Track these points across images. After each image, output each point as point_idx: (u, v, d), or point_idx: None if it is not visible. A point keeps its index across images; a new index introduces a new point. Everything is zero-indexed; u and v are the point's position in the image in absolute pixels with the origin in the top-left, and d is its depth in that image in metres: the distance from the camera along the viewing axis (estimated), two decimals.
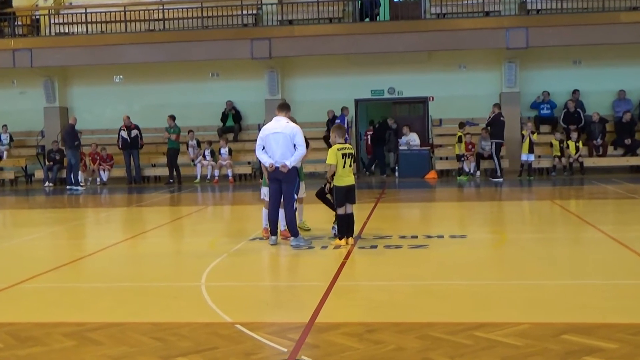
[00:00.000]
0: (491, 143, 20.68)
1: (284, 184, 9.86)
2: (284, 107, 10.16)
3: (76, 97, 25.66)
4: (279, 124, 9.91)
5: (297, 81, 24.50)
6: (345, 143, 9.94)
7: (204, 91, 24.78)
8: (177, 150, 22.42)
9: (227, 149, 22.58)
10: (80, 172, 22.27)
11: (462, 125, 21.93)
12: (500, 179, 20.18)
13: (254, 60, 22.79)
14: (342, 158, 9.72)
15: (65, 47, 23.39)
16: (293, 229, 9.91)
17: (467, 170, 21.52)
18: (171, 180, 22.23)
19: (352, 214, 9.95)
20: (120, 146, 22.73)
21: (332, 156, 9.70)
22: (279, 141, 9.80)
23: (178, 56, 23.09)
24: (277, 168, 9.78)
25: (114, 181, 23.26)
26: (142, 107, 25.13)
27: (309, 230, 11.10)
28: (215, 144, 23.10)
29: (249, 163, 23.36)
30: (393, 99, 24.82)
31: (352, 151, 9.96)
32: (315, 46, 22.32)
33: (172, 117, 22.60)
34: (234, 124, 24.29)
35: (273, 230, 10.08)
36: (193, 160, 22.92)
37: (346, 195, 9.81)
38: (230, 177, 22.35)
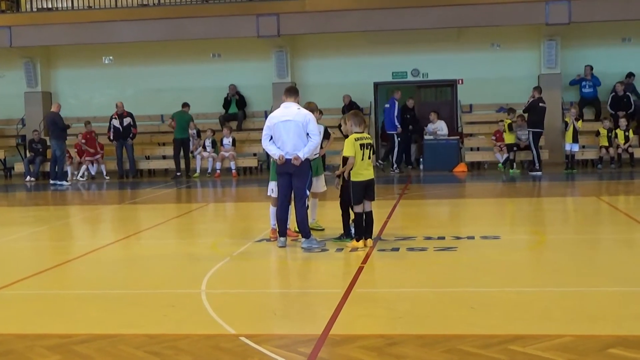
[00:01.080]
0: (528, 132, 20.58)
1: (294, 179, 9.85)
2: (293, 92, 10.15)
3: (61, 80, 25.76)
4: (289, 111, 9.90)
5: (309, 62, 24.47)
6: (363, 132, 9.93)
7: (204, 74, 24.80)
8: (179, 140, 22.29)
9: (230, 139, 22.60)
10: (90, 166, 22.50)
11: (511, 110, 21.49)
12: (539, 172, 20.10)
13: (260, 38, 22.79)
14: (361, 149, 9.71)
15: (48, 25, 23.47)
16: (304, 229, 9.91)
17: (501, 161, 21.45)
18: (178, 174, 22.21)
19: (370, 212, 9.94)
20: (112, 137, 22.69)
21: (350, 147, 9.68)
22: (290, 130, 9.79)
23: (175, 34, 23.11)
24: (287, 160, 9.79)
25: (101, 175, 23.30)
26: (134, 91, 25.18)
27: (323, 230, 11.11)
28: (217, 133, 23.12)
29: (254, 155, 23.38)
30: (417, 82, 24.75)
31: (371, 141, 9.95)
32: (329, 22, 22.28)
33: (185, 105, 22.60)
34: (237, 111, 24.30)
35: (282, 230, 10.09)
36: (192, 152, 22.92)
37: (365, 191, 9.80)
38: (233, 171, 22.35)
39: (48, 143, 22.74)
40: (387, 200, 15.02)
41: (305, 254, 9.68)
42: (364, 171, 9.78)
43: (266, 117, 25.31)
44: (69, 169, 22.63)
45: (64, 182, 21.41)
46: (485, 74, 23.65)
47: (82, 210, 16.47)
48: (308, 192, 9.97)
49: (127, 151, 22.66)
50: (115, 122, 22.65)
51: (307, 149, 9.76)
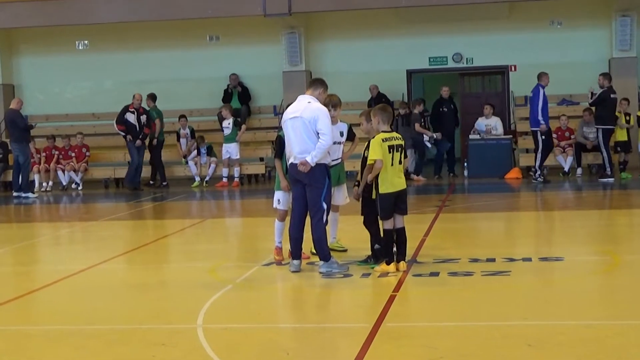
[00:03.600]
0: (597, 130, 20.51)
1: (307, 189, 9.86)
2: (313, 83, 10.19)
3: (25, 71, 25.90)
4: (299, 105, 9.94)
5: (327, 46, 24.51)
6: (392, 131, 9.91)
7: (200, 61, 24.88)
8: (160, 142, 22.45)
9: (230, 122, 22.07)
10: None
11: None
12: (611, 179, 20.02)
13: (267, 18, 22.82)
14: (389, 152, 9.67)
15: (8, 3, 23.59)
16: (322, 250, 9.90)
17: (564, 167, 21.38)
18: (151, 182, 22.33)
19: (403, 229, 9.92)
20: (128, 136, 22.08)
21: (377, 149, 9.65)
22: (297, 129, 9.80)
23: (163, 13, 23.19)
24: (295, 166, 9.81)
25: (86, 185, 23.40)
26: (114, 83, 25.30)
27: (345, 251, 11.10)
28: (212, 134, 23.10)
29: (261, 160, 23.39)
30: (460, 70, 24.74)
31: (402, 142, 9.90)
32: None
33: (152, 97, 22.56)
34: (240, 106, 24.33)
35: (295, 252, 10.08)
36: (185, 157, 22.96)
37: (395, 203, 9.80)
38: (235, 179, 22.29)
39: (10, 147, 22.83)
40: (424, 214, 14.99)
41: (323, 281, 9.67)
42: (395, 179, 9.74)
43: (275, 113, 25.35)
44: (36, 178, 22.74)
45: (30, 194, 21.48)
46: (544, 59, 23.54)
47: (52, 228, 16.53)
48: (325, 206, 9.93)
49: (139, 155, 22.21)
50: (131, 118, 22.07)
51: (316, 152, 9.69)
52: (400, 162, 9.77)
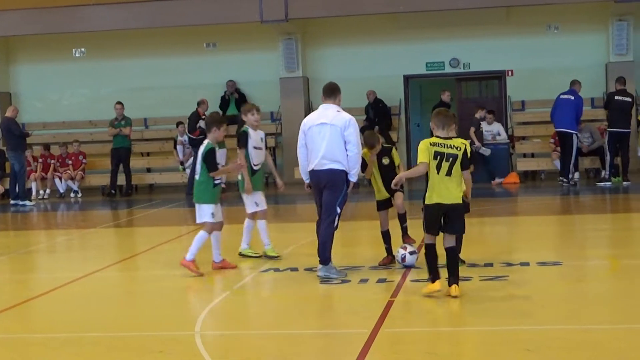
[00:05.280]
0: (608, 132, 20.46)
1: (325, 191, 9.98)
2: (332, 92, 10.39)
3: (22, 78, 25.89)
4: (327, 113, 10.12)
5: (324, 52, 24.50)
6: (449, 138, 8.82)
7: (196, 68, 24.86)
8: (129, 150, 22.69)
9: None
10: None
11: None
12: (609, 183, 19.98)
13: (264, 24, 22.84)
14: (435, 159, 8.72)
15: (5, 11, 23.56)
16: (324, 253, 9.93)
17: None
18: (113, 192, 22.40)
19: (452, 249, 9.05)
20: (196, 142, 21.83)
21: (423, 152, 8.73)
22: (325, 135, 9.96)
23: (160, 21, 23.20)
24: (318, 172, 9.94)
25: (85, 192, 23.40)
26: (112, 91, 25.24)
27: (260, 257, 11.38)
28: None
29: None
30: (457, 75, 24.74)
31: (457, 152, 8.73)
32: (348, 3, 22.32)
33: (121, 104, 22.68)
34: (237, 113, 24.33)
35: (323, 256, 10.08)
36: (182, 163, 22.97)
37: (442, 219, 8.94)
38: (222, 184, 22.12)
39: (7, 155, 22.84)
40: (420, 219, 14.94)
41: (321, 287, 9.68)
42: (442, 190, 8.76)
43: (272, 119, 25.29)
44: (33, 185, 22.74)
45: (27, 202, 21.48)
46: (541, 64, 23.60)
47: (49, 235, 16.52)
48: (338, 210, 9.99)
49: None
50: (203, 124, 21.86)
51: (353, 168, 9.94)
52: (449, 174, 8.72)
